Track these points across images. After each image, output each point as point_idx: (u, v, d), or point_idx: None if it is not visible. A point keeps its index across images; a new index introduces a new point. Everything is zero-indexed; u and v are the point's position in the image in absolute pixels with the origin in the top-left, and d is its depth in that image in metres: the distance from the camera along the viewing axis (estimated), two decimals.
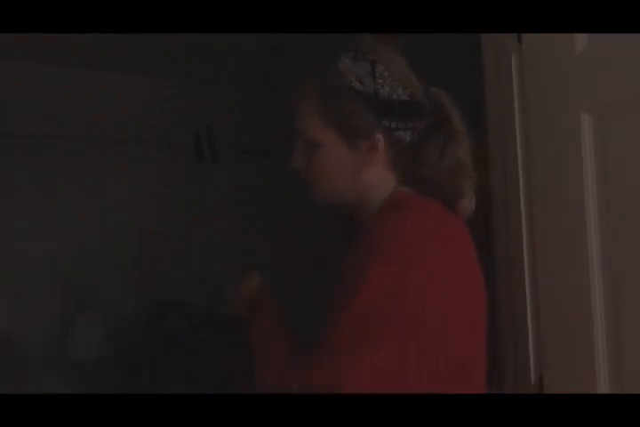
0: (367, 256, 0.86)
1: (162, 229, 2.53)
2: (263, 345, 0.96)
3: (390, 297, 0.83)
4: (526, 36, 1.26)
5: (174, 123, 2.56)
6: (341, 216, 1.10)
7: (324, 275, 0.94)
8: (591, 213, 1.15)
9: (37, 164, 2.35)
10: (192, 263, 2.51)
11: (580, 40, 1.16)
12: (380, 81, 0.93)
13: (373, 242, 0.87)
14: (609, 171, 1.13)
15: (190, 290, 2.36)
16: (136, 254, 2.51)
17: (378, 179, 0.98)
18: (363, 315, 0.83)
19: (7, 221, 2.29)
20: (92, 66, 2.41)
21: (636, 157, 1.08)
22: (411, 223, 0.90)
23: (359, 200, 0.99)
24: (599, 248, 1.14)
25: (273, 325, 1.00)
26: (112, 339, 2.39)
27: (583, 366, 1.16)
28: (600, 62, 1.13)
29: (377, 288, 0.83)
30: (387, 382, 0.83)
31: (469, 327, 0.93)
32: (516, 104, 1.30)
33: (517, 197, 1.30)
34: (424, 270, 0.86)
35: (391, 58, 0.96)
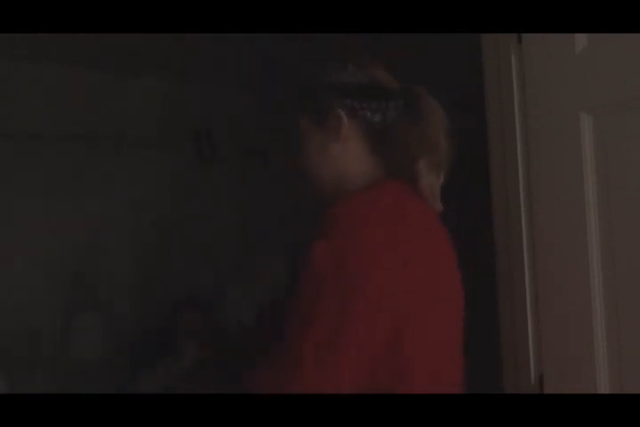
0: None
1: (162, 229, 2.53)
2: None
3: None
4: (526, 36, 1.26)
5: (174, 123, 2.56)
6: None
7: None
8: (591, 213, 1.15)
9: (37, 164, 2.35)
10: (192, 263, 2.51)
11: (580, 40, 1.16)
12: (346, 66, 1.03)
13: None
14: (609, 171, 1.13)
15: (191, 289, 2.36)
16: (136, 254, 2.51)
17: (355, 161, 1.01)
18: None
19: (8, 221, 2.29)
20: (92, 66, 2.41)
21: (636, 157, 1.08)
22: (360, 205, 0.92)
23: (337, 180, 1.02)
24: (599, 248, 1.14)
25: None
26: (112, 339, 2.39)
27: (583, 366, 1.16)
28: (600, 62, 1.13)
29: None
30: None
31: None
32: (515, 104, 1.30)
33: (517, 197, 1.30)
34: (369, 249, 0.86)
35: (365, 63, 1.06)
